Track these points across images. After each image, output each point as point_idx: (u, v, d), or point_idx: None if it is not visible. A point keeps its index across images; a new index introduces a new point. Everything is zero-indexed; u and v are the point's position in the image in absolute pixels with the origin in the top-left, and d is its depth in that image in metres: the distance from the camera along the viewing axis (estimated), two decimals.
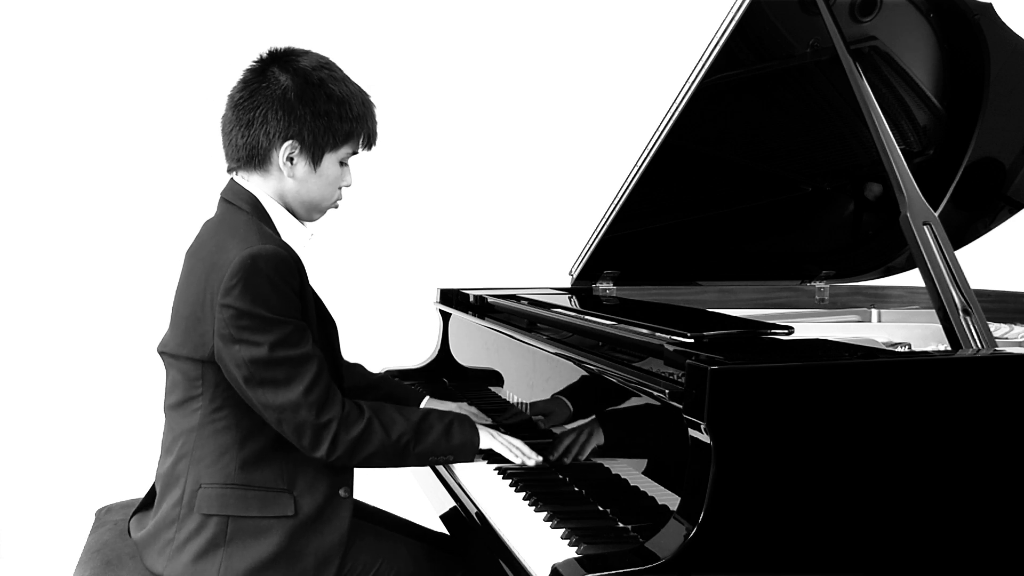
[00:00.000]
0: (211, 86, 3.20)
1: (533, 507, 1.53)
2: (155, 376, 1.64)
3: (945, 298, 1.59)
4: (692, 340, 1.40)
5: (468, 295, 2.42)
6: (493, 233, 3.52)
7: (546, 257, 2.97)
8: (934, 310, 1.63)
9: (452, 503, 1.72)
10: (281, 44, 1.63)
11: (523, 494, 1.59)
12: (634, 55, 3.51)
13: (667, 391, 1.29)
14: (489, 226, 3.52)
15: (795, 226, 2.54)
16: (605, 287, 2.45)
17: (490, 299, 2.32)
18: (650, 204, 2.26)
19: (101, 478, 3.08)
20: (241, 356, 1.46)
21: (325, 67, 1.61)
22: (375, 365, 2.51)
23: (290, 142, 1.57)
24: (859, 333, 2.24)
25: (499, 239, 3.51)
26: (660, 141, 2.03)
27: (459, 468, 1.74)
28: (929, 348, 2.06)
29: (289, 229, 1.63)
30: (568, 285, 2.48)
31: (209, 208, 1.67)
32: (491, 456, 1.74)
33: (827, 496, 1.25)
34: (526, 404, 1.95)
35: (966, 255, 2.00)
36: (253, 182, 1.62)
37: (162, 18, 3.27)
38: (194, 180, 3.14)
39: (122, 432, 3.16)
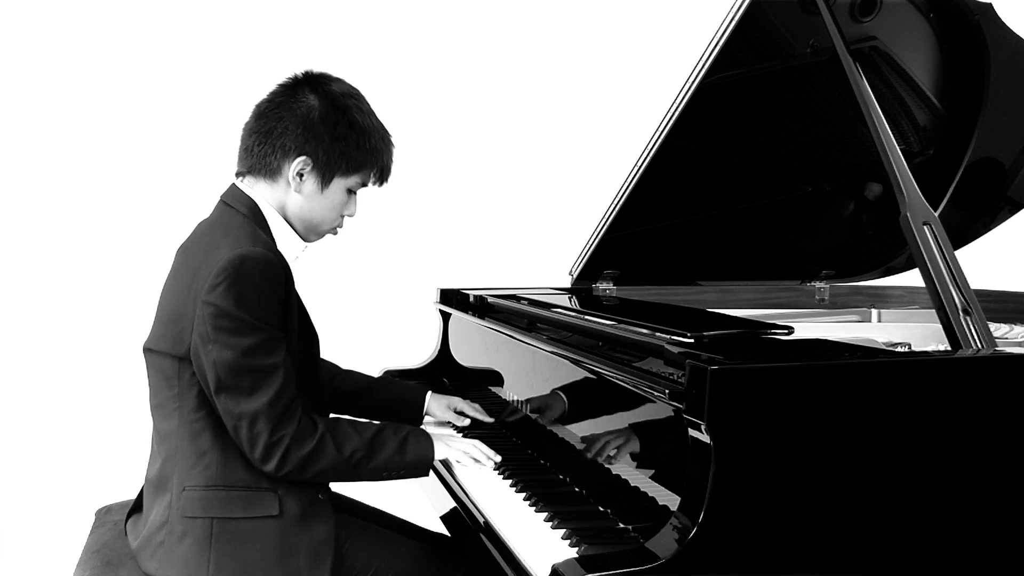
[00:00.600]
0: (210, 93, 3.22)
1: (533, 507, 1.53)
2: (146, 370, 1.64)
3: (945, 298, 1.59)
4: (692, 340, 1.40)
5: (468, 295, 2.42)
6: (493, 233, 3.52)
7: (546, 257, 2.97)
8: (934, 310, 1.63)
9: (452, 504, 1.72)
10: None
11: (524, 495, 1.59)
12: (634, 55, 3.51)
13: (667, 391, 1.29)
14: (489, 226, 3.52)
15: (795, 226, 2.54)
16: (605, 287, 2.45)
17: (490, 299, 2.32)
18: (650, 204, 2.26)
19: (101, 478, 3.08)
20: (212, 357, 1.47)
21: (353, 97, 1.64)
22: (375, 365, 2.51)
23: (303, 158, 1.59)
24: (859, 333, 2.24)
25: (499, 239, 3.51)
26: (660, 141, 2.03)
27: (459, 468, 1.74)
28: (929, 348, 2.06)
29: (284, 239, 1.64)
30: (568, 285, 2.48)
31: (204, 209, 1.68)
32: (497, 465, 1.74)
33: (827, 496, 1.25)
34: (526, 404, 1.95)
35: (966, 255, 2.00)
36: (259, 189, 1.63)
37: (165, 20, 3.27)
38: (193, 182, 3.14)
39: (122, 432, 3.16)
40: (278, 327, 1.51)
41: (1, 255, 3.23)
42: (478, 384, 2.28)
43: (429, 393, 2.02)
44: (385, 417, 1.99)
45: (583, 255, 2.37)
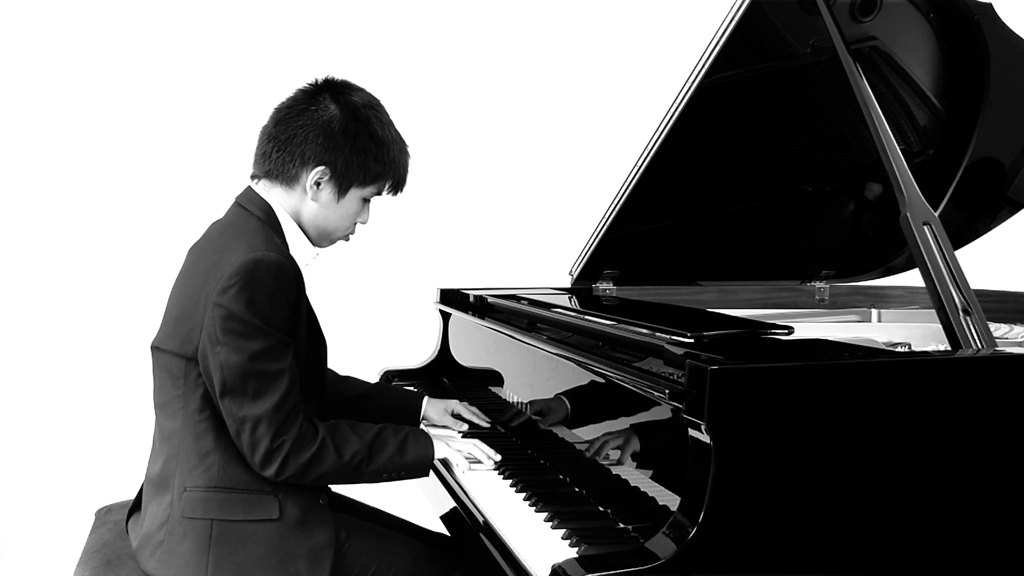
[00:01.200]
0: (222, 94, 3.22)
1: (533, 507, 1.53)
2: (152, 368, 1.64)
3: (945, 298, 1.59)
4: (692, 340, 1.40)
5: (468, 295, 2.42)
6: (493, 233, 3.52)
7: (546, 257, 2.97)
8: (934, 310, 1.63)
9: (452, 503, 1.72)
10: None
11: (524, 495, 1.59)
12: (634, 55, 3.51)
13: (667, 391, 1.29)
14: (489, 226, 3.52)
15: (795, 226, 2.54)
16: (605, 287, 2.45)
17: (490, 299, 2.32)
18: (650, 204, 2.26)
19: (101, 478, 3.08)
20: (220, 360, 1.47)
21: (373, 108, 1.64)
22: (375, 365, 2.51)
23: (322, 168, 1.60)
24: (859, 333, 2.24)
25: (499, 239, 3.51)
26: (660, 141, 2.03)
27: (459, 468, 1.74)
28: (929, 348, 2.06)
29: (297, 244, 1.64)
30: (568, 285, 2.48)
31: (215, 210, 1.68)
32: (497, 465, 1.73)
33: (827, 496, 1.25)
34: (526, 404, 1.95)
35: (966, 255, 2.00)
36: (274, 194, 1.63)
37: (180, 20, 3.27)
38: (204, 182, 3.14)
39: (122, 432, 3.16)
40: (287, 332, 1.51)
41: (2, 255, 3.23)
42: (478, 384, 2.28)
43: (426, 398, 2.02)
44: (384, 422, 1.99)
45: (583, 255, 2.37)
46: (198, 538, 1.51)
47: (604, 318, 1.78)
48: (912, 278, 2.55)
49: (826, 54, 1.98)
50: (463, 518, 1.64)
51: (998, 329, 2.20)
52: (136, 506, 1.68)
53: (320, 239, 1.69)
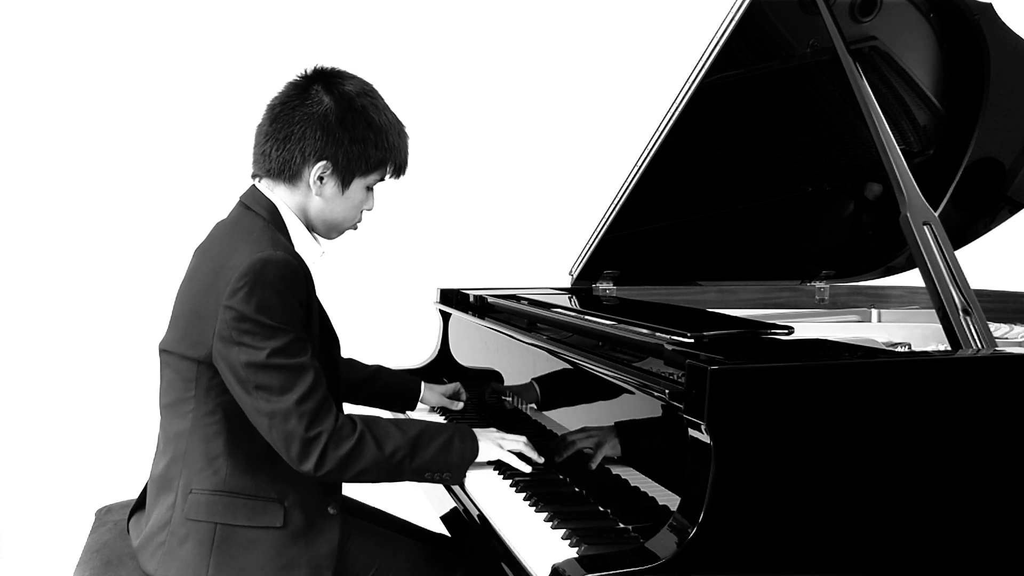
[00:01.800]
0: (226, 93, 3.22)
1: (533, 508, 1.53)
2: (155, 375, 1.64)
3: (945, 298, 1.59)
4: (692, 340, 1.40)
5: (468, 295, 2.42)
6: (493, 233, 3.52)
7: (546, 257, 2.98)
8: (934, 310, 1.63)
9: (452, 504, 1.72)
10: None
11: (524, 495, 1.59)
12: (634, 55, 3.51)
13: (667, 391, 1.29)
14: (489, 226, 3.52)
15: (795, 226, 2.54)
16: (605, 287, 2.45)
17: (490, 299, 2.32)
18: (650, 204, 2.26)
19: (101, 478, 3.08)
20: (239, 359, 1.46)
21: (368, 94, 1.63)
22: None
23: (324, 163, 1.59)
24: (859, 333, 2.24)
25: (499, 239, 3.51)
26: (660, 141, 2.03)
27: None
28: (929, 348, 2.06)
29: (303, 243, 1.63)
30: (568, 285, 2.48)
31: (219, 209, 1.67)
32: (499, 466, 1.72)
33: (827, 496, 1.25)
34: (526, 404, 1.95)
35: (966, 255, 2.00)
36: (278, 193, 1.62)
37: (180, 22, 3.27)
38: (204, 182, 3.14)
39: (122, 432, 3.16)
40: (302, 329, 1.50)
41: (6, 255, 3.23)
42: (478, 384, 2.28)
43: (423, 382, 2.13)
44: (385, 403, 2.16)
45: (583, 255, 2.37)
46: (200, 541, 1.51)
47: (604, 318, 1.78)
48: (912, 278, 2.55)
49: (826, 54, 1.98)
50: (463, 518, 1.64)
51: (998, 329, 2.20)
52: (139, 506, 1.68)
53: (329, 232, 1.68)
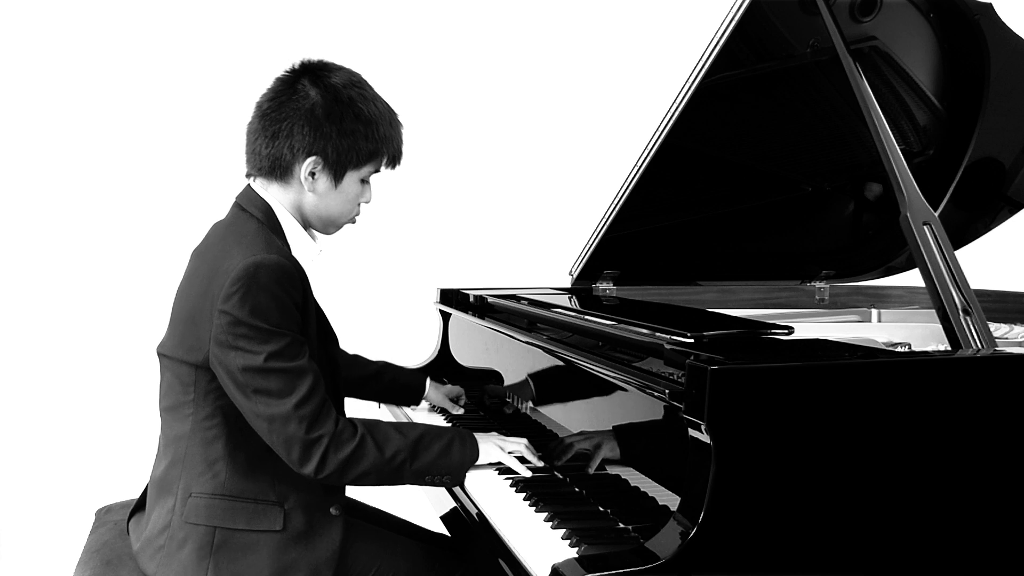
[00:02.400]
0: (225, 91, 3.22)
1: (533, 508, 1.53)
2: (155, 375, 1.64)
3: (945, 298, 1.59)
4: (692, 340, 1.40)
5: (468, 295, 2.42)
6: (493, 233, 3.52)
7: (546, 257, 2.97)
8: (934, 310, 1.63)
9: (452, 504, 1.72)
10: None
11: (523, 495, 1.59)
12: (634, 55, 3.51)
13: (667, 391, 1.29)
14: (489, 226, 3.52)
15: (795, 226, 2.54)
16: (605, 287, 2.45)
17: (490, 299, 2.32)
18: (650, 204, 2.26)
19: (101, 478, 3.08)
20: (236, 363, 1.45)
21: (356, 85, 1.60)
22: None
23: (314, 158, 1.57)
24: (859, 333, 2.24)
25: (499, 239, 3.51)
26: (660, 141, 2.03)
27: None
28: (929, 348, 2.06)
29: (299, 242, 1.62)
30: (568, 285, 2.48)
31: (218, 210, 1.66)
32: (500, 466, 1.72)
33: (827, 496, 1.25)
34: (526, 404, 1.95)
35: (966, 255, 2.00)
36: (271, 191, 1.61)
37: (178, 20, 3.27)
38: (204, 182, 3.15)
39: (122, 432, 3.16)
40: (298, 331, 1.50)
41: (4, 255, 3.23)
42: (478, 384, 2.28)
43: (429, 379, 2.12)
44: (390, 398, 2.18)
45: (583, 255, 2.37)
46: (199, 544, 1.50)
47: (604, 318, 1.78)
48: (912, 278, 2.55)
49: (826, 54, 1.98)
50: (463, 518, 1.64)
51: (998, 329, 2.20)
52: (139, 507, 1.67)
53: (326, 227, 1.67)
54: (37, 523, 3.18)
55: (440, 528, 1.90)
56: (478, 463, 1.66)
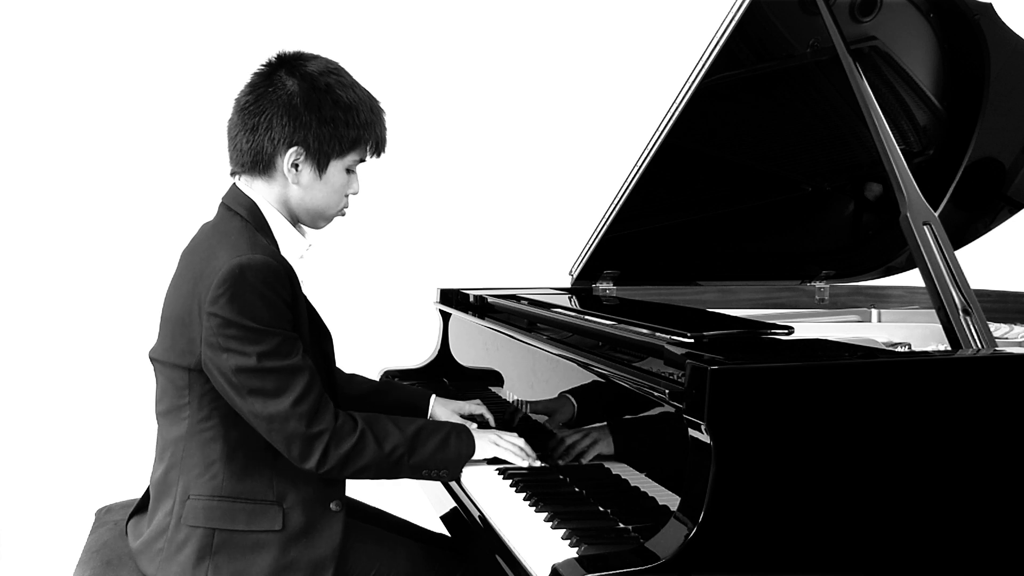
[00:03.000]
0: (214, 89, 3.21)
1: (533, 508, 1.53)
2: (154, 376, 1.63)
3: (945, 298, 1.59)
4: (692, 340, 1.40)
5: (468, 295, 2.42)
6: (493, 233, 3.52)
7: (546, 257, 2.97)
8: (934, 310, 1.63)
9: (452, 504, 1.72)
10: (287, 46, 1.62)
11: (524, 495, 1.59)
12: (634, 55, 3.51)
13: (667, 391, 1.29)
14: (489, 226, 3.52)
15: (795, 226, 2.54)
16: (605, 287, 2.45)
17: (490, 299, 2.32)
18: (650, 204, 2.26)
19: (101, 478, 3.08)
20: (228, 365, 1.45)
21: (333, 72, 1.58)
22: (375, 365, 2.51)
23: (295, 148, 1.55)
24: (859, 333, 2.24)
25: (499, 239, 3.51)
26: (660, 141, 2.03)
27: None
28: (929, 348, 2.06)
29: (287, 239, 1.61)
30: (568, 285, 2.48)
31: (209, 211, 1.66)
32: (494, 459, 1.73)
33: (827, 496, 1.25)
34: (526, 404, 1.95)
35: (966, 255, 2.00)
36: (256, 188, 1.60)
37: (168, 19, 3.27)
38: (196, 183, 3.13)
39: (122, 432, 3.16)
40: (290, 329, 1.49)
41: (4, 256, 3.23)
42: (478, 384, 2.28)
43: (433, 396, 1.97)
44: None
45: (583, 255, 2.37)
46: (199, 547, 1.50)
47: (604, 318, 1.78)
48: (912, 278, 2.55)
49: (826, 54, 1.98)
50: (463, 518, 1.64)
51: (998, 329, 2.20)
52: (139, 508, 1.67)
53: (315, 220, 1.65)
54: (37, 523, 3.17)
55: (440, 528, 1.90)
56: (474, 458, 1.66)
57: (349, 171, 1.63)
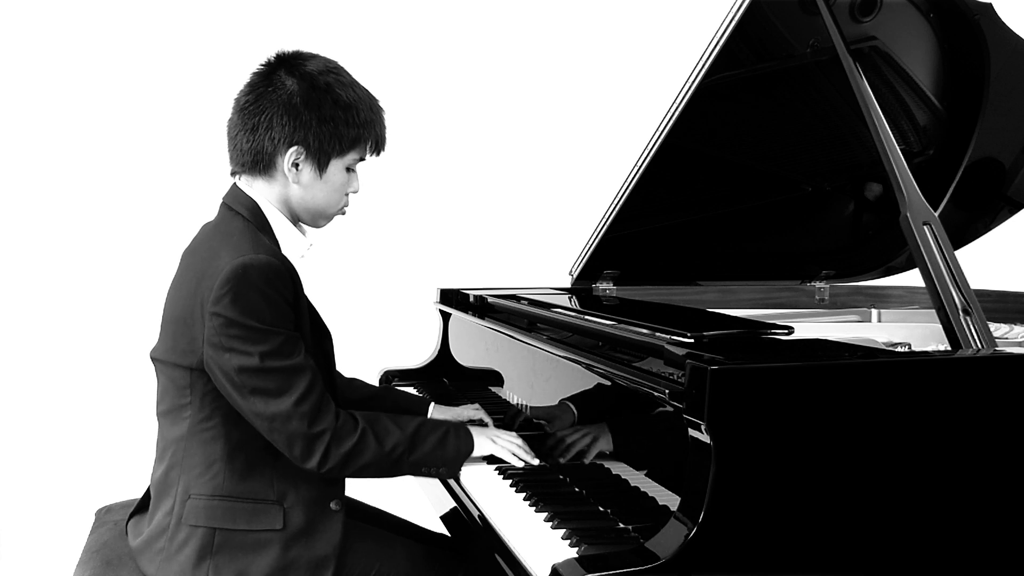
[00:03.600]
0: (215, 88, 3.21)
1: (533, 508, 1.53)
2: (155, 376, 1.63)
3: (945, 298, 1.59)
4: (692, 340, 1.40)
5: (468, 295, 2.42)
6: (493, 233, 3.52)
7: (546, 257, 2.97)
8: (934, 310, 1.63)
9: (452, 504, 1.72)
10: (288, 46, 1.62)
11: (524, 495, 1.59)
12: (634, 55, 3.51)
13: (667, 391, 1.29)
14: (489, 226, 3.52)
15: (795, 226, 2.54)
16: (605, 287, 2.45)
17: (490, 299, 2.32)
18: (650, 204, 2.26)
19: (101, 478, 3.08)
20: (231, 364, 1.45)
21: (332, 71, 1.58)
22: (375, 365, 2.51)
23: (295, 148, 1.55)
24: (859, 333, 2.24)
25: (499, 239, 3.51)
26: (660, 141, 2.03)
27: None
28: (929, 348, 2.06)
29: (288, 238, 1.61)
30: (568, 285, 2.48)
31: (210, 211, 1.66)
32: (490, 456, 1.74)
33: (827, 496, 1.25)
34: (526, 404, 1.95)
35: (966, 255, 2.00)
36: (257, 187, 1.60)
37: (170, 19, 3.27)
38: (198, 183, 3.14)
39: (122, 432, 3.16)
40: (292, 329, 1.49)
41: (4, 256, 3.23)
42: (478, 384, 2.27)
43: (432, 404, 1.98)
44: None
45: (583, 255, 2.37)
46: (200, 546, 1.50)
47: (604, 318, 1.78)
48: (912, 278, 2.55)
49: (826, 54, 1.98)
50: (463, 518, 1.64)
51: (998, 329, 2.20)
52: (140, 508, 1.67)
53: (316, 219, 1.65)
54: (37, 523, 3.18)
55: (440, 528, 1.90)
56: (473, 455, 1.67)
57: (349, 170, 1.63)
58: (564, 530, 1.41)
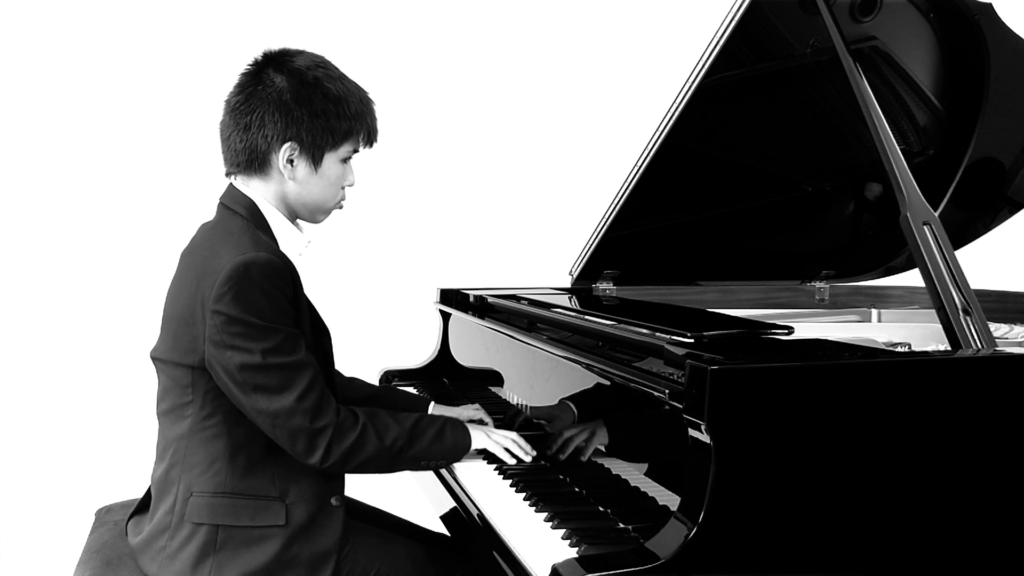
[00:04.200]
0: (210, 89, 3.21)
1: (533, 507, 1.53)
2: (155, 376, 1.64)
3: (945, 298, 1.59)
4: (692, 340, 1.40)
5: (468, 295, 2.42)
6: (493, 233, 3.52)
7: (546, 257, 2.98)
8: (934, 310, 1.63)
9: (452, 503, 1.72)
10: (278, 46, 1.62)
11: (523, 494, 1.59)
12: (634, 55, 3.51)
13: (667, 391, 1.29)
14: (489, 226, 3.52)
15: (795, 226, 2.54)
16: (605, 287, 2.45)
17: (490, 299, 2.32)
18: (650, 204, 2.26)
19: (101, 478, 3.08)
20: (233, 362, 1.45)
21: (320, 66, 1.59)
22: (375, 365, 2.51)
23: (289, 144, 1.56)
24: (859, 333, 2.24)
25: (499, 239, 3.51)
26: (660, 141, 2.03)
27: (459, 468, 1.74)
28: (929, 348, 2.06)
29: (287, 236, 1.61)
30: (568, 285, 2.48)
31: (208, 212, 1.66)
32: (489, 455, 1.75)
33: (827, 496, 1.25)
34: (526, 404, 1.95)
35: (966, 255, 2.00)
36: (253, 186, 1.60)
37: (164, 19, 3.27)
38: (195, 183, 3.13)
39: (122, 432, 3.16)
40: (293, 326, 1.50)
41: (4, 256, 3.23)
42: (478, 384, 2.28)
43: (432, 403, 1.99)
44: None
45: (583, 255, 2.37)
46: (202, 543, 1.50)
47: (604, 318, 1.78)
48: (912, 278, 2.55)
49: (826, 54, 1.98)
50: (463, 518, 1.64)
51: (998, 329, 2.20)
52: (140, 508, 1.67)
53: (313, 215, 1.66)
54: (37, 523, 3.18)
55: (440, 528, 1.90)
56: (476, 447, 1.70)
57: (344, 162, 1.64)
58: (564, 530, 1.41)
